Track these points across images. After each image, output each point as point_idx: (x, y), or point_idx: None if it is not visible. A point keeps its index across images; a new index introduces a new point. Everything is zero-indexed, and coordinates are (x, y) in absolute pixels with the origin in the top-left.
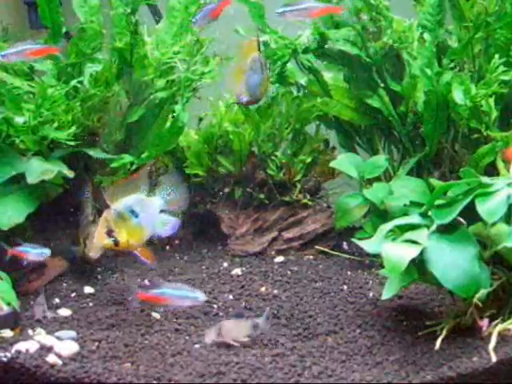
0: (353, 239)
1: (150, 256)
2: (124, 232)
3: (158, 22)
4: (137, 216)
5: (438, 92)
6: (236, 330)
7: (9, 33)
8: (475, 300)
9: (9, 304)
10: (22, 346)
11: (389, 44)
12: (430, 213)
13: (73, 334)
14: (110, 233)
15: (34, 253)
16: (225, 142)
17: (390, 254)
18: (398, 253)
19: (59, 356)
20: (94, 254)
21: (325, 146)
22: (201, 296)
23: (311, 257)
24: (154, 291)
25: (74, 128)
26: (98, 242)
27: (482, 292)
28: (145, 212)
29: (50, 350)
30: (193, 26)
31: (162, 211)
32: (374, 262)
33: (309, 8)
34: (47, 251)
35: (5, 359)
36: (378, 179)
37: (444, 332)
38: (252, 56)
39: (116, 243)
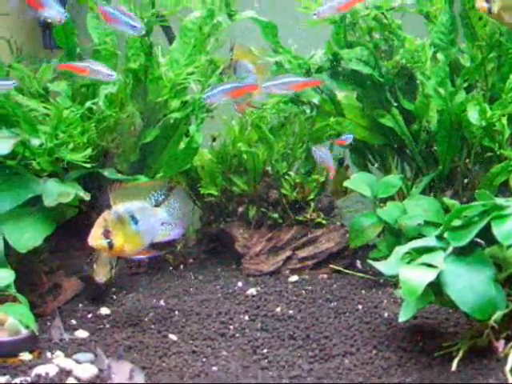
0: (368, 260)
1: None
2: (121, 236)
3: (170, 41)
4: (136, 222)
5: (451, 112)
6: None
7: (23, 53)
8: (491, 322)
9: (27, 327)
10: (41, 369)
11: (401, 63)
12: (445, 234)
13: (91, 356)
14: (106, 234)
15: None
16: (238, 162)
17: (407, 277)
18: (415, 276)
19: (79, 379)
20: (99, 278)
21: (339, 164)
22: None
23: (325, 276)
24: None
25: (89, 150)
26: (92, 241)
27: (498, 314)
28: (145, 220)
29: (69, 373)
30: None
31: (163, 224)
32: (387, 280)
33: (292, 82)
34: None
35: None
36: (391, 197)
37: (460, 353)
38: (238, 62)
39: (110, 246)
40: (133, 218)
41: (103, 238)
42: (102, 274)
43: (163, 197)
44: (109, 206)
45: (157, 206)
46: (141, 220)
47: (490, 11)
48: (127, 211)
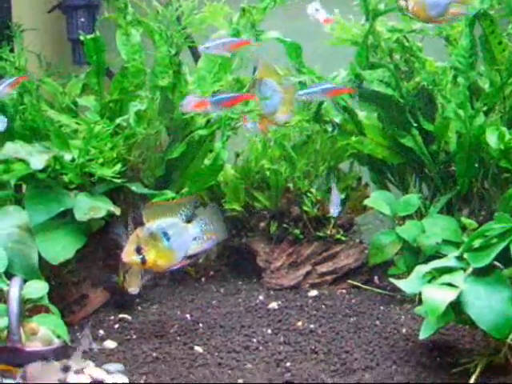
0: (389, 278)
1: None
2: (153, 252)
3: (196, 60)
4: (168, 239)
5: (470, 134)
6: (44, 373)
7: (52, 68)
8: (509, 340)
9: (59, 337)
10: (74, 379)
11: (421, 84)
12: (465, 255)
13: (120, 366)
14: (138, 250)
15: None
16: (261, 178)
17: (429, 296)
18: (437, 296)
19: None
20: (133, 289)
21: (358, 182)
22: None
23: (344, 291)
24: None
25: (119, 165)
26: (125, 257)
27: None
28: (177, 237)
29: (101, 383)
30: None
31: (195, 239)
32: (405, 297)
33: (228, 42)
34: None
35: None
36: (409, 215)
37: (477, 370)
38: (263, 80)
39: (143, 261)
40: (165, 234)
41: (136, 254)
42: (135, 285)
43: (192, 213)
44: (141, 223)
45: (188, 221)
46: (172, 236)
47: (407, 8)
48: (159, 228)
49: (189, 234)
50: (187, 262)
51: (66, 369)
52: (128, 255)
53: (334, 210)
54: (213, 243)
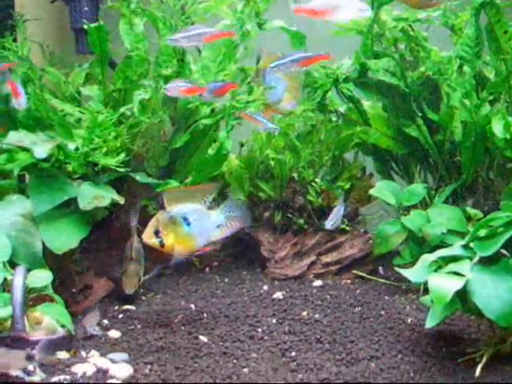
0: (394, 267)
1: None
2: (171, 236)
3: (199, 49)
4: (189, 224)
5: (476, 123)
6: (9, 361)
7: (55, 57)
8: None
9: (63, 326)
10: (79, 368)
11: (426, 74)
12: (471, 244)
13: (125, 356)
14: (157, 233)
15: None
16: (265, 168)
17: (435, 285)
18: (443, 284)
19: (116, 379)
20: (128, 290)
21: (362, 172)
22: None
23: (348, 281)
24: None
25: (123, 155)
26: (145, 239)
27: None
28: (198, 222)
29: (106, 372)
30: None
31: (218, 226)
32: (409, 287)
33: (203, 33)
34: None
35: (65, 382)
36: (414, 205)
37: (484, 359)
38: (267, 69)
39: (162, 244)
40: (185, 219)
41: (154, 236)
42: (130, 286)
43: (216, 199)
44: (163, 207)
45: (211, 208)
46: (193, 222)
47: None
48: (180, 213)
49: (211, 220)
50: (208, 248)
51: (29, 358)
52: (148, 237)
53: (328, 223)
54: (235, 230)
